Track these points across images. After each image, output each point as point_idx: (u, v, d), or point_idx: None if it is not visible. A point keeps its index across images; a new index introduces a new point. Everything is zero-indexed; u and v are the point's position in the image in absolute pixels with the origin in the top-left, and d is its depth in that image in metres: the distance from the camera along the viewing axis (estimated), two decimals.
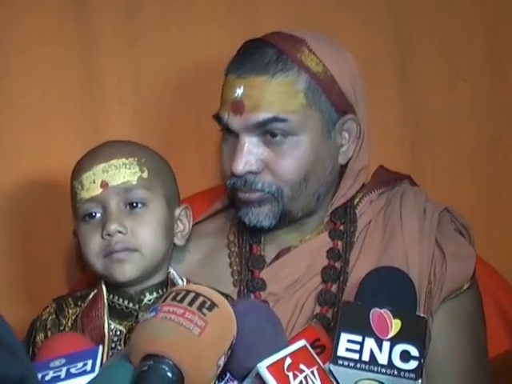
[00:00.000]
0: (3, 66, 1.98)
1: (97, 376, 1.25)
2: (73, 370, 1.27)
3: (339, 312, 1.38)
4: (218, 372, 1.23)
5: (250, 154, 1.60)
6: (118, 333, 1.54)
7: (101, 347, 1.33)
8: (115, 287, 1.57)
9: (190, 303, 1.22)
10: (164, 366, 1.17)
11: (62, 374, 1.27)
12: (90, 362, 1.28)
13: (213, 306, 1.23)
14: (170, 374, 1.17)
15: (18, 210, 1.99)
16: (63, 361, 1.30)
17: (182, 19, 2.07)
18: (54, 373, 1.28)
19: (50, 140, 2.01)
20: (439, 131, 2.15)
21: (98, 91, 2.03)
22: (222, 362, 1.22)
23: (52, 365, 1.29)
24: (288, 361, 1.27)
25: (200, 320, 1.20)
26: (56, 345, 1.39)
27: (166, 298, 1.24)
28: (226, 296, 1.57)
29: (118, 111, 2.05)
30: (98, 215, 1.55)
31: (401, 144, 2.15)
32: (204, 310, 1.21)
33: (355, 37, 2.07)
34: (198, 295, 1.23)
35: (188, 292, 1.24)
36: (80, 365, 1.28)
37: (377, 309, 1.35)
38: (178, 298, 1.23)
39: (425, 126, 2.15)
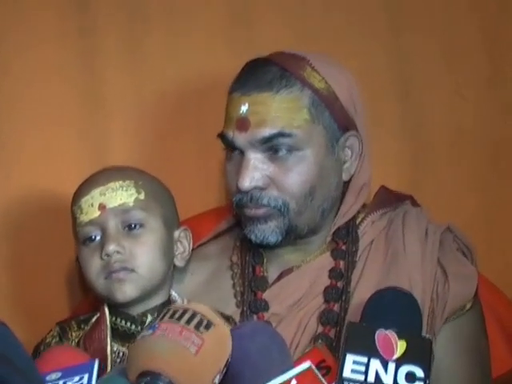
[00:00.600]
0: (3, 65, 1.96)
1: None
2: None
3: (345, 333, 1.37)
4: None
5: (256, 169, 1.60)
6: (121, 354, 1.54)
7: (97, 361, 1.34)
8: (117, 309, 1.57)
9: (188, 322, 1.23)
10: (160, 383, 1.18)
11: None
12: (86, 376, 1.29)
13: (209, 324, 1.24)
14: None
15: (17, 225, 1.97)
16: (59, 374, 1.31)
17: (185, 24, 2.06)
18: None
19: (52, 142, 1.99)
20: (440, 146, 2.15)
21: (99, 95, 2.02)
22: (217, 380, 1.23)
23: (48, 378, 1.30)
24: (294, 382, 1.26)
25: (197, 338, 1.21)
26: (52, 358, 1.39)
27: (163, 316, 1.25)
28: (228, 318, 1.58)
29: (119, 116, 2.03)
30: (98, 238, 1.56)
31: (401, 159, 2.14)
32: (201, 329, 1.23)
33: (355, 53, 2.08)
34: (195, 314, 1.24)
35: (185, 310, 1.25)
36: (76, 378, 1.29)
37: (382, 330, 1.34)
38: (176, 316, 1.24)
39: (426, 141, 2.15)
